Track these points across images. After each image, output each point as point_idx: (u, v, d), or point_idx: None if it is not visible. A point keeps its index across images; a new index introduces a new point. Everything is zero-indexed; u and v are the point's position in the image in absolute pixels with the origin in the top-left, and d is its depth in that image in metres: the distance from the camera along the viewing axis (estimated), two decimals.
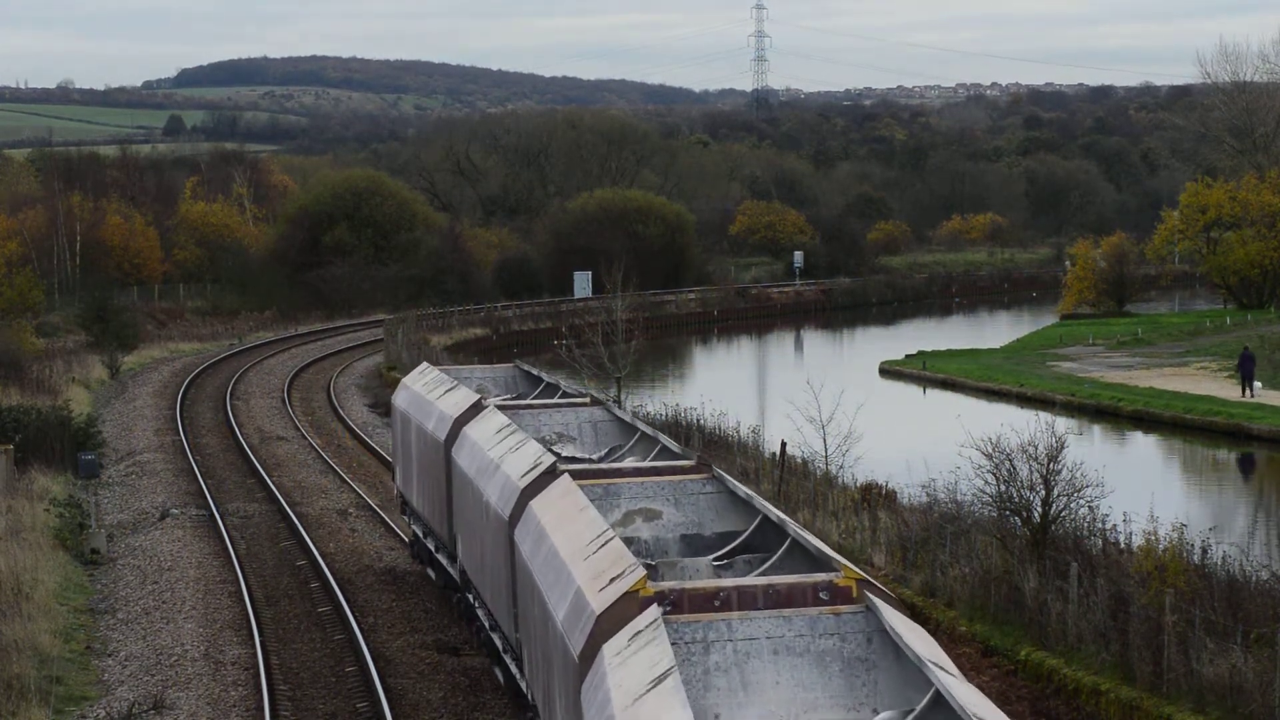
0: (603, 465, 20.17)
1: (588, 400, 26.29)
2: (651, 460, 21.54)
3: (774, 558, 16.14)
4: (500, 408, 25.44)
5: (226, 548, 35.36)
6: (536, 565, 17.17)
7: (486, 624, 23.10)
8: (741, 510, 18.12)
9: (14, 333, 69.11)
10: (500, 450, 22.08)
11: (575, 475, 18.88)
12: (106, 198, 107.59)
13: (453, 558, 26.10)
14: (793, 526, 16.07)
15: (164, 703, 24.28)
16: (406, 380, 32.78)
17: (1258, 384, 59.58)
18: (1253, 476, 51.30)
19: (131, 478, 45.91)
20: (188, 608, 30.33)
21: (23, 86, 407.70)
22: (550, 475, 19.13)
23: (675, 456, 20.92)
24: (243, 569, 33.18)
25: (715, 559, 16.97)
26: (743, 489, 18.16)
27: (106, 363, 71.73)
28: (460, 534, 24.83)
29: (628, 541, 16.98)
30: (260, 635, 27.71)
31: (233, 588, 31.78)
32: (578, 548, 15.96)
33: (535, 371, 31.95)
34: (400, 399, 32.11)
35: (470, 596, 24.61)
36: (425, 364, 34.33)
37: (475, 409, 25.72)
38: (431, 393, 29.36)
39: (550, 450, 22.51)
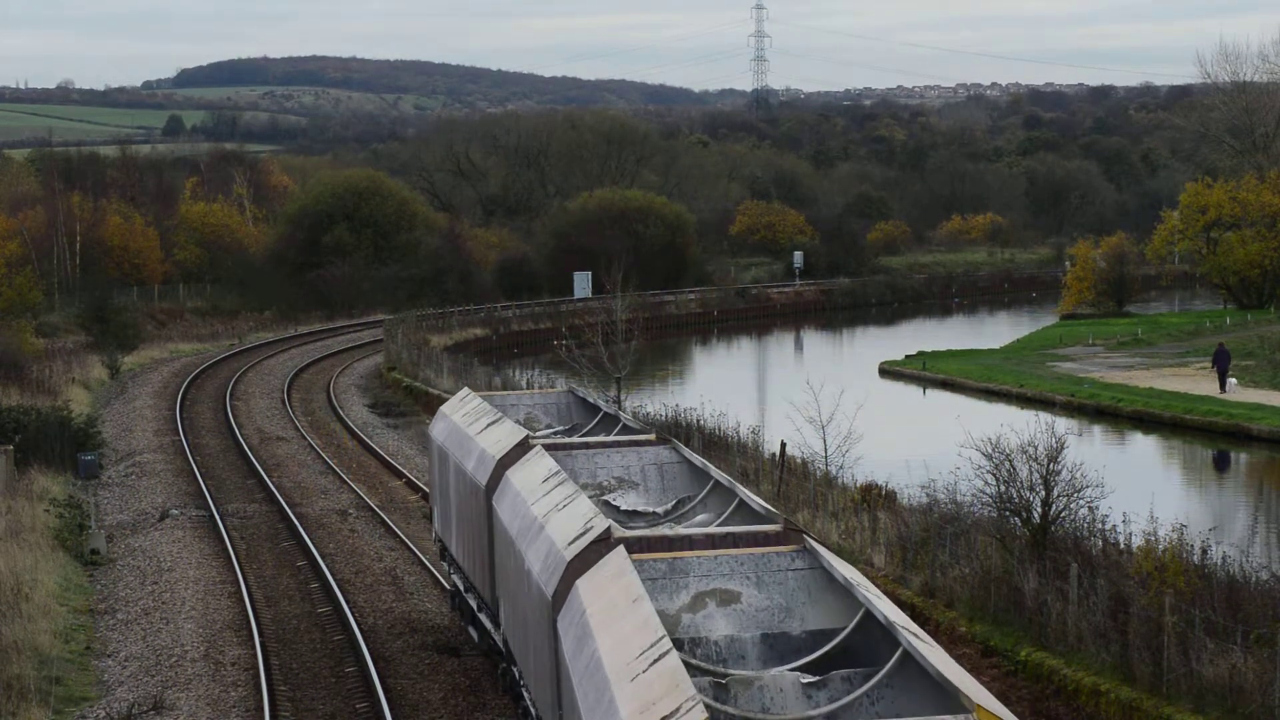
0: (667, 531, 16.36)
1: (652, 437, 22.58)
2: (728, 518, 18.44)
3: (880, 673, 12.85)
4: (550, 447, 22.02)
5: (226, 548, 35.37)
6: (578, 672, 14.04)
7: (533, 711, 19.56)
8: (839, 598, 14.78)
9: (14, 333, 69.11)
10: (546, 505, 18.77)
11: (634, 546, 15.60)
12: (106, 198, 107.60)
13: (496, 623, 22.44)
14: (905, 631, 12.88)
15: (164, 703, 24.29)
16: (445, 409, 29.02)
17: (1232, 380, 60.28)
18: (1228, 473, 51.56)
19: (131, 478, 45.91)
20: (187, 608, 30.33)
21: (23, 86, 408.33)
22: (602, 545, 15.79)
23: (757, 517, 17.57)
24: (242, 569, 33.19)
25: (804, 668, 13.76)
26: (841, 568, 14.82)
27: (106, 363, 71.74)
28: (503, 599, 21.22)
29: (694, 643, 14.30)
30: (260, 636, 27.72)
31: (232, 588, 31.78)
32: (625, 660, 12.88)
33: (592, 398, 28.42)
34: (438, 431, 28.22)
35: (516, 671, 20.85)
36: (466, 390, 30.28)
37: (521, 449, 22.15)
38: (472, 425, 25.76)
39: (607, 502, 20.15)
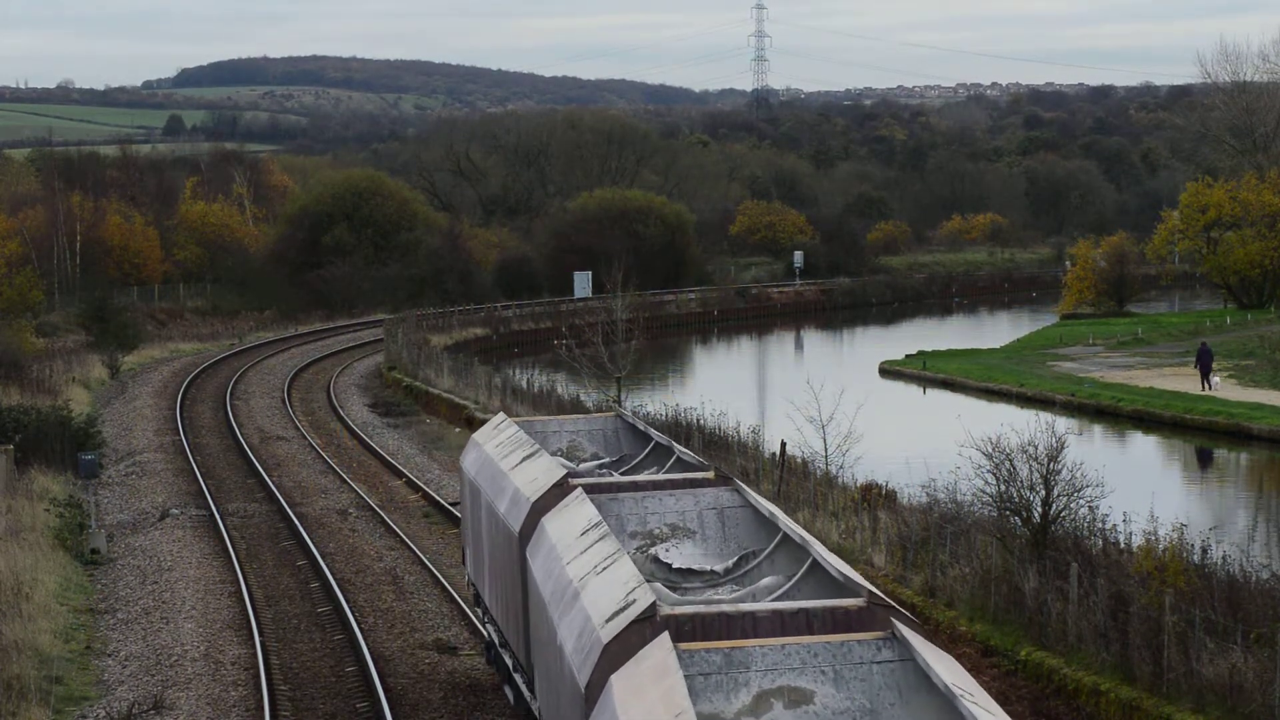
0: (726, 607, 13.72)
1: (711, 475, 19.69)
2: (799, 583, 15.76)
3: None
4: (592, 489, 19.30)
5: (226, 548, 35.38)
6: None
7: None
8: (938, 705, 12.12)
9: (14, 333, 69.13)
10: (583, 565, 16.17)
11: (683, 631, 13.19)
12: (106, 198, 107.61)
13: (532, 690, 19.88)
14: None
15: (164, 703, 24.29)
16: (477, 436, 26.21)
17: (1215, 379, 60.64)
18: (1224, 473, 51.70)
19: (131, 478, 45.93)
20: (188, 608, 30.34)
21: (23, 86, 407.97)
22: (645, 627, 13.34)
23: (834, 584, 14.84)
24: (243, 569, 33.20)
25: None
26: (940, 667, 12.15)
27: (106, 363, 71.77)
28: (538, 667, 18.52)
29: None
30: (260, 635, 27.73)
31: (233, 588, 31.79)
32: None
33: (641, 425, 25.14)
34: (469, 462, 25.33)
35: None
36: (502, 415, 27.19)
37: (559, 491, 19.50)
38: (506, 458, 22.97)
39: (657, 558, 17.62)
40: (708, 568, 17.40)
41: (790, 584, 15.76)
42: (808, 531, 16.13)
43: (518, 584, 19.90)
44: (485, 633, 25.00)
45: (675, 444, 22.87)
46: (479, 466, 24.26)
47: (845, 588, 14.23)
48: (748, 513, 18.45)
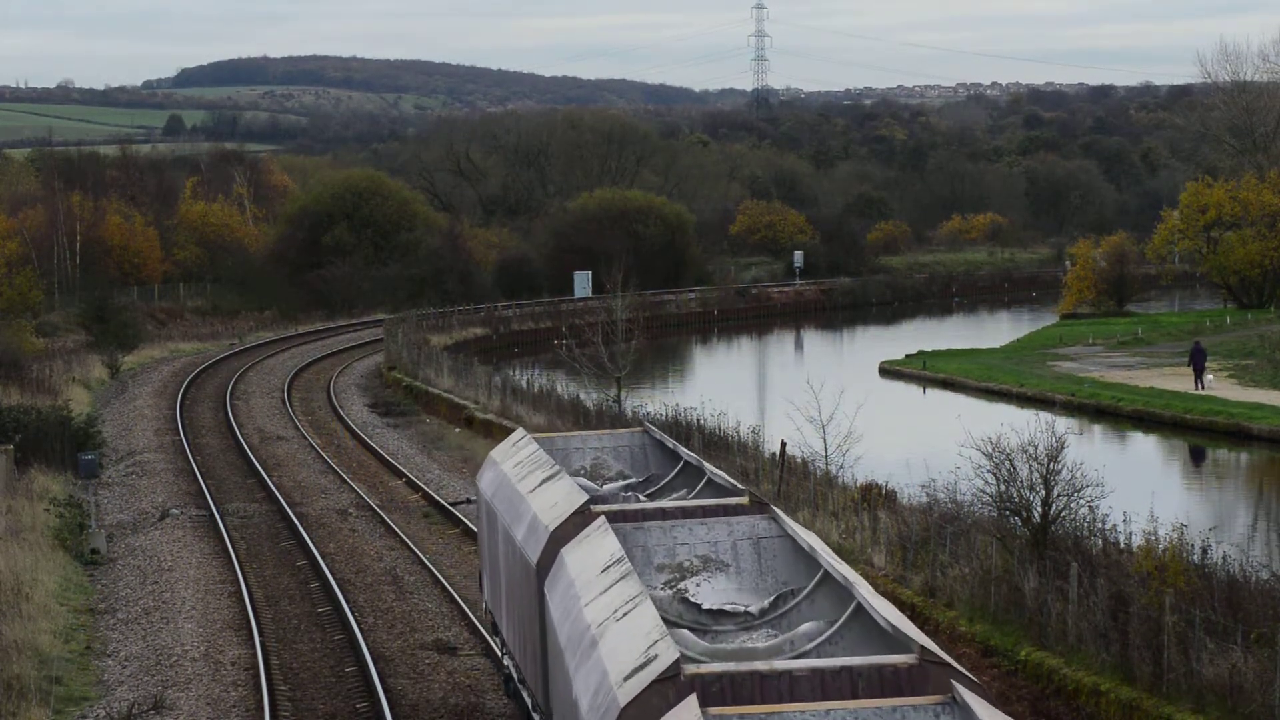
0: (760, 664, 12.29)
1: (745, 501, 18.01)
2: (843, 628, 14.42)
3: None
4: (616, 517, 17.70)
5: (226, 548, 35.38)
6: None
7: None
8: None
9: (14, 333, 69.15)
10: (602, 609, 14.68)
11: (711, 693, 11.83)
12: (106, 198, 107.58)
13: None
14: None
15: (164, 703, 24.30)
16: (495, 454, 24.40)
17: (1209, 377, 60.91)
18: (1205, 468, 51.74)
19: (131, 478, 45.93)
20: (187, 608, 30.35)
21: (23, 86, 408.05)
22: (668, 688, 11.88)
23: (882, 636, 13.40)
24: (243, 569, 33.20)
25: None
26: None
27: (106, 363, 71.79)
28: (555, 713, 16.97)
29: None
30: (260, 635, 27.73)
31: (233, 588, 31.79)
32: None
33: (670, 443, 23.28)
34: (486, 482, 23.60)
35: None
36: (521, 432, 25.20)
37: (580, 519, 17.86)
38: (524, 480, 21.33)
39: (686, 598, 16.15)
40: (741, 608, 15.96)
41: (832, 630, 14.46)
42: (835, 554, 15.25)
43: (535, 619, 18.41)
44: (505, 666, 23.30)
45: (706, 464, 21.34)
46: (496, 487, 22.63)
47: (894, 640, 12.82)
48: (786, 544, 16.91)
